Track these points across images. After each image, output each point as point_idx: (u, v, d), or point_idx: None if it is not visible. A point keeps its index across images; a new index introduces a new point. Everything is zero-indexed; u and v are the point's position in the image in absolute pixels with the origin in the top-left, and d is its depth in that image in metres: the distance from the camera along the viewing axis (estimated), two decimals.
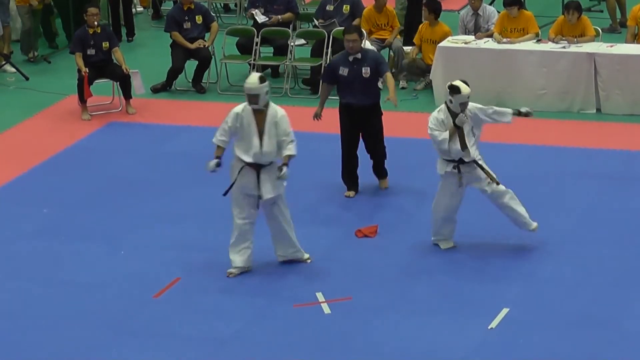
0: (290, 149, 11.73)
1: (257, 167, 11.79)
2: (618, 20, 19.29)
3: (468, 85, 11.68)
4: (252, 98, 11.68)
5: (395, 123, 14.78)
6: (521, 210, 12.06)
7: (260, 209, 11.99)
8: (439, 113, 11.91)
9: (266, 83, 11.73)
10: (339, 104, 13.64)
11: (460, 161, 11.83)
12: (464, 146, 11.69)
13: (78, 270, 12.35)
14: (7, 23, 18.51)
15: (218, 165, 11.95)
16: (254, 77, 11.84)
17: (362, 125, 13.57)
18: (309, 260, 12.27)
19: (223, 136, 11.96)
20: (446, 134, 11.71)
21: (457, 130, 11.72)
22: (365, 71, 13.36)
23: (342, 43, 17.23)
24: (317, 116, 13.76)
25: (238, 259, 12.11)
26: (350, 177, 13.73)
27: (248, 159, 11.78)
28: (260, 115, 11.75)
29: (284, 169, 11.72)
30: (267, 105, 11.75)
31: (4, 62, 18.21)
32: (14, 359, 10.89)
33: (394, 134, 14.17)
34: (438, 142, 11.80)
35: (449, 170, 11.93)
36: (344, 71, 13.42)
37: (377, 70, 13.40)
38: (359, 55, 13.44)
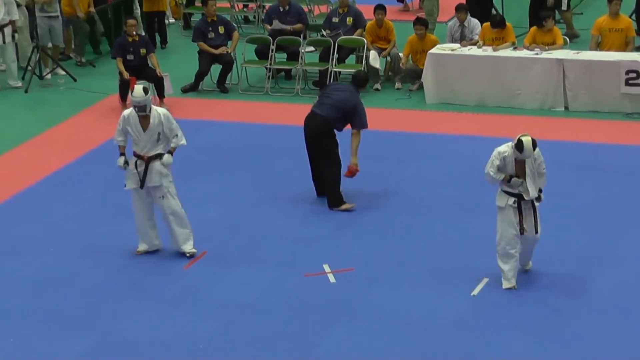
0: (174, 142, 11.79)
1: (146, 159, 11.80)
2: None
3: (535, 147, 10.80)
4: (141, 108, 11.68)
5: (391, 119, 14.80)
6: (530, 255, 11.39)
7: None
8: (503, 153, 10.92)
9: (149, 94, 11.82)
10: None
11: (520, 197, 11.02)
12: (522, 178, 10.89)
13: (116, 246, 12.36)
14: (68, 27, 18.56)
15: (125, 162, 11.92)
16: (140, 90, 11.74)
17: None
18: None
19: (120, 137, 11.97)
20: (500, 176, 10.94)
21: (517, 166, 10.90)
22: None
23: (347, 50, 17.24)
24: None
25: (145, 240, 12.16)
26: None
27: (139, 151, 11.83)
28: (145, 119, 11.78)
29: (166, 155, 11.79)
30: (150, 110, 11.76)
31: (55, 66, 18.25)
32: (59, 321, 10.93)
33: (390, 128, 14.22)
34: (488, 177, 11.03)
35: (510, 204, 10.96)
36: None
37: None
38: None
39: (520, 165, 10.87)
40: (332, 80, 17.04)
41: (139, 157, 11.84)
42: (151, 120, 11.77)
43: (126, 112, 11.94)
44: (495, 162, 10.87)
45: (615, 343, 10.22)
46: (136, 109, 11.72)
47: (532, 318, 10.68)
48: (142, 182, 11.83)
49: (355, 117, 13.05)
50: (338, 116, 13.05)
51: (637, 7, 17.33)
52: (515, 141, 10.72)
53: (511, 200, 10.94)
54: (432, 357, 10.12)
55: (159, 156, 11.80)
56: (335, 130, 13.12)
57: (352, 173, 13.13)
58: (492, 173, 10.89)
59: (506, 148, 10.91)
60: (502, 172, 10.90)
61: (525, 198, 10.93)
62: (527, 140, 10.68)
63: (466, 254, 11.95)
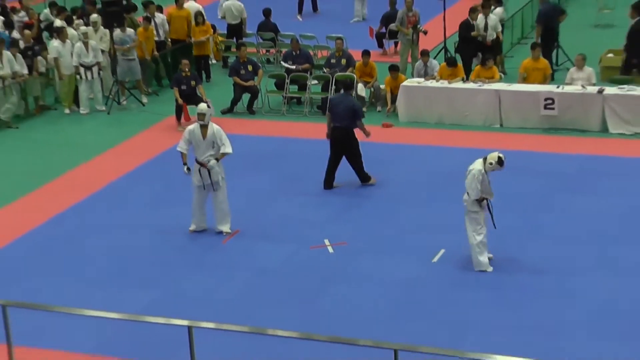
0: (222, 149, 11.80)
1: (206, 165, 11.78)
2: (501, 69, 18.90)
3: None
4: (201, 116, 11.77)
5: (374, 133, 14.74)
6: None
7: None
8: (482, 170, 10.59)
9: (211, 109, 11.94)
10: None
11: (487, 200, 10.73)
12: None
13: (175, 225, 12.36)
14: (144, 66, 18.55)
15: (188, 169, 11.93)
16: (204, 104, 12.03)
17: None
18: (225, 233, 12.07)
19: (185, 144, 11.96)
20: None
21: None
22: None
23: (342, 82, 17.25)
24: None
25: (196, 223, 12.10)
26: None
27: (199, 157, 11.82)
28: (204, 129, 11.79)
29: (212, 160, 11.77)
30: (208, 123, 11.80)
31: (129, 95, 18.23)
32: (133, 280, 10.97)
33: (374, 140, 14.12)
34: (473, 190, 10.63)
35: (483, 206, 10.71)
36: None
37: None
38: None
39: (488, 176, 10.75)
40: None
41: (201, 164, 11.81)
42: (208, 130, 11.80)
43: (191, 126, 11.97)
44: (479, 177, 10.58)
45: (543, 297, 10.26)
46: (199, 117, 11.77)
47: (478, 279, 10.70)
48: (211, 183, 11.82)
49: (358, 113, 13.34)
50: (349, 120, 13.26)
51: (543, 52, 17.36)
52: (497, 159, 10.55)
53: (484, 203, 10.73)
54: (405, 306, 10.15)
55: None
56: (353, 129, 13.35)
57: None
58: (479, 187, 10.61)
59: (480, 167, 10.65)
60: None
61: (491, 199, 10.80)
62: (504, 156, 10.63)
63: (429, 231, 11.95)
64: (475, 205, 10.72)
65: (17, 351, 7.91)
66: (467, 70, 17.28)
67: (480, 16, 17.95)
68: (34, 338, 9.54)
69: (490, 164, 10.60)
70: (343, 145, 13.31)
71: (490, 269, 10.81)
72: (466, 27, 17.98)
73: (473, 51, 17.84)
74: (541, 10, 18.58)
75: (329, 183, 13.44)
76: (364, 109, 17.31)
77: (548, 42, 17.97)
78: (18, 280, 11.10)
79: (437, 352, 7.50)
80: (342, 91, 13.91)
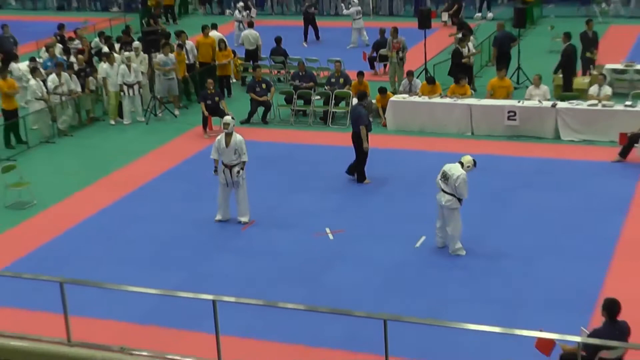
0: (241, 158, 11.79)
1: (229, 167, 11.81)
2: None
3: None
4: (226, 125, 11.79)
5: (372, 140, 14.72)
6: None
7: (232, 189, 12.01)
8: (465, 173, 10.54)
9: (234, 120, 11.91)
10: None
11: None
12: None
13: (203, 216, 12.34)
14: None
15: (216, 171, 11.90)
16: (229, 117, 11.99)
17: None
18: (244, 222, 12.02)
19: (215, 152, 11.94)
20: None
21: None
22: None
23: (339, 98, 17.19)
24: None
25: (221, 214, 12.07)
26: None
27: (224, 161, 11.82)
28: (229, 137, 11.77)
29: (239, 170, 11.80)
30: (232, 132, 11.76)
31: (164, 108, 18.21)
32: (166, 263, 10.95)
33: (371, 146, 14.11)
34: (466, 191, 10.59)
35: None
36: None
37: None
38: None
39: None
40: (330, 117, 17.04)
41: (226, 166, 11.83)
42: (232, 139, 11.79)
43: (219, 136, 11.99)
44: (466, 179, 10.59)
45: (508, 276, 10.24)
46: (224, 127, 11.76)
47: (453, 261, 10.67)
48: (232, 182, 11.84)
49: (359, 120, 13.32)
50: (356, 126, 13.33)
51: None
52: (472, 162, 10.63)
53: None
54: (393, 284, 10.14)
55: (237, 165, 11.83)
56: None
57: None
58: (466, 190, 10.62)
59: (462, 170, 10.61)
60: None
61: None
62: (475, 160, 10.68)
63: (412, 221, 11.91)
64: (459, 202, 10.72)
65: (72, 320, 7.93)
66: None
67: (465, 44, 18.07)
68: (85, 310, 9.55)
69: (468, 167, 10.66)
70: (356, 146, 13.37)
71: (463, 252, 10.79)
72: (457, 55, 18.05)
73: (461, 73, 17.88)
74: (497, 36, 18.80)
75: (351, 170, 13.52)
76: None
77: (503, 63, 18.05)
78: (73, 260, 11.11)
79: (420, 321, 7.51)
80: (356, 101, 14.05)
